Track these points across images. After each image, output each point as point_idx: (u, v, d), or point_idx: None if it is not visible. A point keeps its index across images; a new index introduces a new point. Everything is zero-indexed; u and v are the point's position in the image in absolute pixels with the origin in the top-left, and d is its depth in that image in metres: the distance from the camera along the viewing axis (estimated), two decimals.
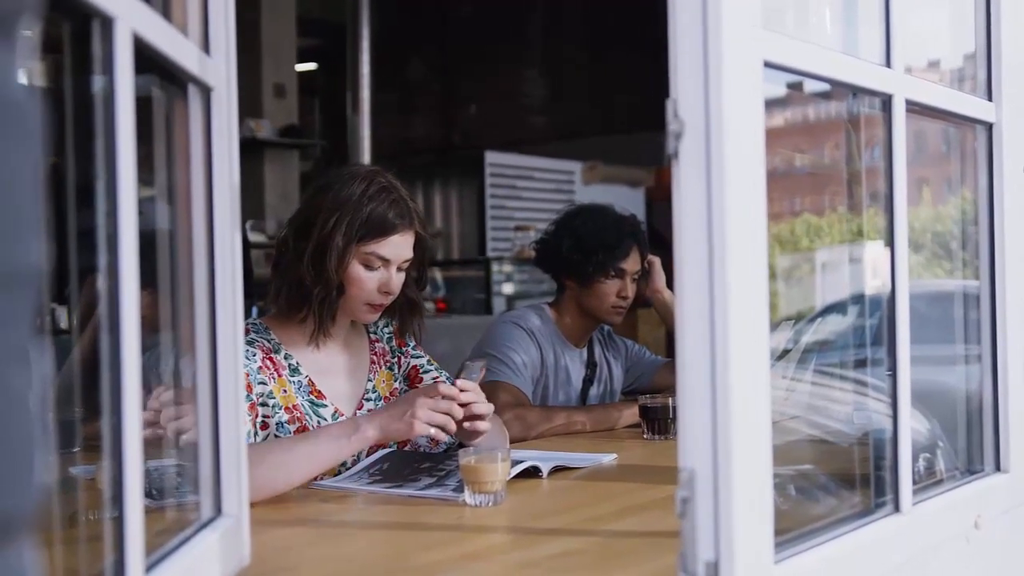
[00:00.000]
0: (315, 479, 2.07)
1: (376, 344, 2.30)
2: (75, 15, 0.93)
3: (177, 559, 1.13)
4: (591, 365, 3.03)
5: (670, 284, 3.01)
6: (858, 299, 1.92)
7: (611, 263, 2.86)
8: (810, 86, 1.48)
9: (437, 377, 2.33)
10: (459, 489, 1.83)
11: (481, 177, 7.99)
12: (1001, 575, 1.75)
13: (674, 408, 2.57)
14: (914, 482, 1.47)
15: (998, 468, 1.73)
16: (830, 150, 1.92)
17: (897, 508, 1.43)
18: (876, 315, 1.67)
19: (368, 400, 2.23)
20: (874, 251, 1.72)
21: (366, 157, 7.09)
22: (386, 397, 2.27)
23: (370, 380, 2.26)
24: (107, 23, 0.95)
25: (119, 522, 0.95)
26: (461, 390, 1.99)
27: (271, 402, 2.06)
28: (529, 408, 2.74)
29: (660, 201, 7.96)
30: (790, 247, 1.64)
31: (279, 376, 2.10)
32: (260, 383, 2.05)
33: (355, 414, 2.18)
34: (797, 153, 1.75)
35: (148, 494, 1.10)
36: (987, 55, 1.74)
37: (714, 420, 1.09)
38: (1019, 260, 1.75)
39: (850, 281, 2.09)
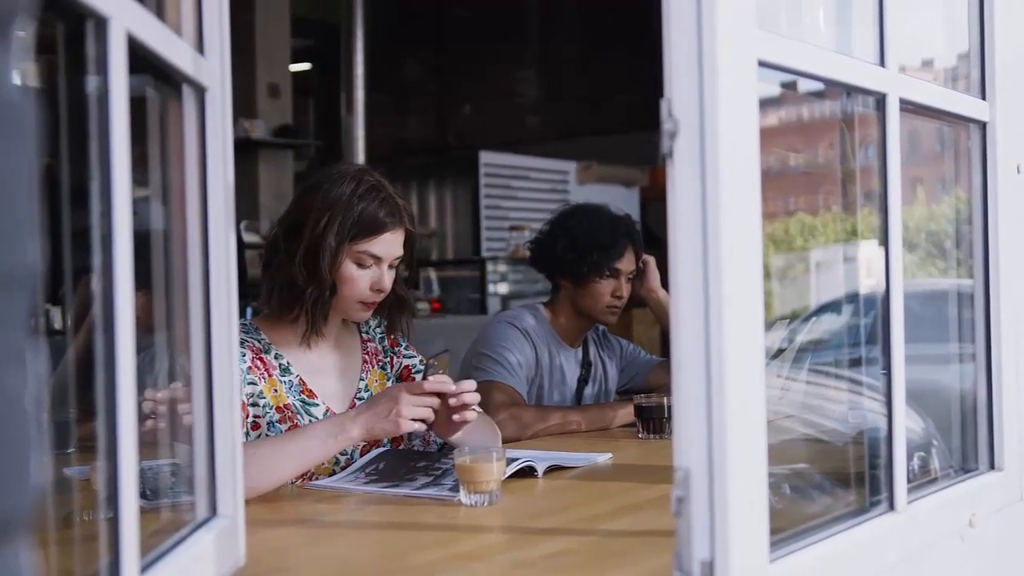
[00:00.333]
0: (310, 479, 2.07)
1: (368, 344, 2.31)
2: (69, 15, 0.93)
3: (172, 559, 1.13)
4: (586, 365, 3.03)
5: (665, 284, 3.01)
6: (852, 298, 1.92)
7: (606, 263, 2.86)
8: (804, 85, 1.48)
9: None
10: (455, 488, 1.83)
11: (476, 177, 7.99)
12: (995, 573, 1.75)
13: (669, 407, 2.57)
14: (908, 481, 1.47)
15: (992, 467, 1.73)
16: (824, 149, 1.92)
17: (892, 507, 1.44)
18: (870, 314, 1.67)
19: (361, 399, 2.23)
20: (868, 250, 1.72)
21: (360, 157, 7.08)
22: None
23: (362, 379, 2.26)
24: (101, 23, 0.95)
25: (114, 523, 0.95)
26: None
27: (261, 402, 2.07)
28: (524, 408, 2.74)
29: (654, 201, 7.97)
30: (784, 246, 1.65)
31: (269, 376, 2.11)
32: (250, 383, 2.06)
33: (347, 413, 2.18)
34: (791, 152, 1.76)
35: (142, 494, 1.10)
36: (980, 54, 1.74)
37: (709, 419, 1.10)
38: (1013, 259, 1.75)
39: (844, 280, 2.09)
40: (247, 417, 2.03)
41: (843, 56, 1.45)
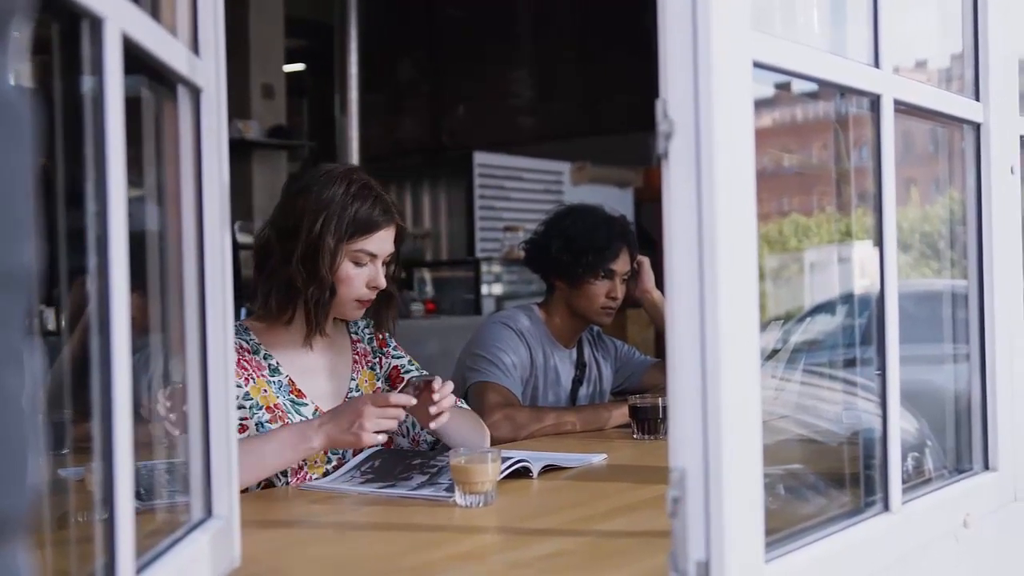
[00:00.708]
0: (305, 479, 2.07)
1: (357, 344, 2.33)
2: (64, 15, 0.93)
3: (167, 561, 1.13)
4: (580, 365, 3.03)
5: (659, 284, 3.01)
6: (846, 299, 1.93)
7: (601, 264, 2.86)
8: (797, 86, 1.48)
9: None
10: (452, 488, 1.83)
11: (470, 178, 7.98)
12: (990, 574, 1.75)
13: (664, 408, 2.57)
14: (903, 481, 1.48)
15: (986, 467, 1.73)
16: (818, 150, 1.93)
17: (887, 507, 1.44)
18: (864, 315, 1.68)
19: (351, 398, 2.24)
20: (862, 251, 1.72)
21: (355, 158, 7.08)
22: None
23: (353, 379, 2.28)
24: (96, 24, 0.95)
25: (110, 524, 0.95)
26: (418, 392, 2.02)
27: (247, 404, 2.07)
28: (519, 408, 2.74)
29: (648, 202, 7.98)
30: (778, 247, 1.65)
31: (258, 377, 2.12)
32: (235, 385, 2.06)
33: None
34: (785, 153, 1.76)
35: (136, 495, 1.10)
36: (974, 55, 1.75)
37: (705, 420, 1.10)
38: (1007, 260, 1.76)
39: (838, 281, 2.09)
40: None
41: (838, 57, 1.45)
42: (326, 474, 2.09)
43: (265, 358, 2.16)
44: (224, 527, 1.31)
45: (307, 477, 2.08)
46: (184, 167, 1.28)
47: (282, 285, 2.12)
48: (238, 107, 7.05)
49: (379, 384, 2.33)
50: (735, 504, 1.10)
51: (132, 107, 1.03)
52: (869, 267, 1.56)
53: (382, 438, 1.93)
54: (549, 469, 2.11)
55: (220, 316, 1.31)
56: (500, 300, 7.25)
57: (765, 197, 1.19)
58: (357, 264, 2.15)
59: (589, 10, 8.99)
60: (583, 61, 9.28)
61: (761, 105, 1.21)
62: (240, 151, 6.96)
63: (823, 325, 2.16)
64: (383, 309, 2.28)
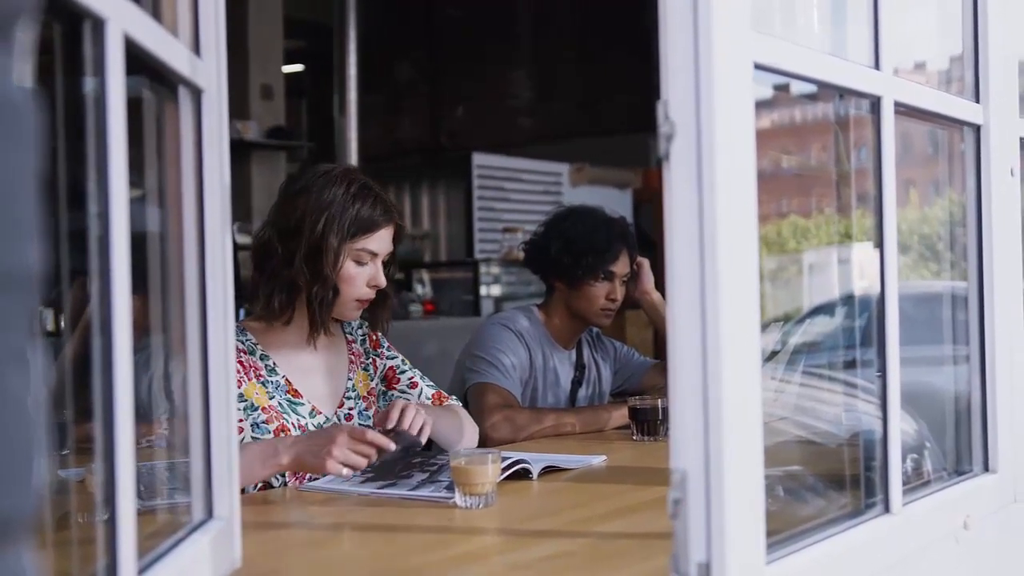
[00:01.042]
0: (305, 479, 2.07)
1: (352, 344, 2.35)
2: (66, 16, 0.93)
3: (169, 562, 1.12)
4: (580, 367, 3.03)
5: (659, 286, 3.01)
6: (845, 300, 1.93)
7: (600, 266, 2.86)
8: (796, 87, 1.49)
9: (413, 377, 2.39)
10: (451, 486, 1.83)
11: (468, 179, 7.97)
12: (990, 575, 1.75)
13: (663, 409, 2.57)
14: (902, 483, 1.48)
15: (986, 469, 1.74)
16: (816, 152, 1.93)
17: (887, 509, 1.44)
18: (864, 316, 1.68)
19: (349, 398, 2.28)
20: (861, 253, 1.72)
21: (353, 159, 7.07)
22: (364, 396, 2.31)
23: (350, 379, 2.31)
24: (98, 24, 0.95)
25: (112, 525, 0.95)
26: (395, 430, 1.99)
27: (242, 405, 2.08)
28: (518, 410, 2.74)
29: (647, 203, 7.97)
30: (777, 249, 1.65)
31: (253, 378, 2.12)
32: None
33: (335, 412, 2.24)
34: (784, 155, 1.76)
35: (137, 495, 1.10)
36: (974, 57, 1.75)
37: (706, 421, 1.10)
38: (1007, 261, 1.76)
39: (837, 283, 2.09)
40: None
41: (838, 59, 1.45)
42: (326, 474, 2.09)
43: (262, 358, 2.17)
44: (225, 528, 1.31)
45: (307, 477, 2.09)
46: (185, 168, 1.28)
47: (285, 285, 2.14)
48: (237, 108, 7.04)
49: (374, 384, 2.34)
50: (736, 506, 1.10)
51: (133, 108, 1.03)
52: (868, 269, 1.56)
53: (347, 472, 1.87)
54: (549, 471, 2.11)
55: (221, 317, 1.31)
56: (499, 301, 7.24)
57: (764, 199, 1.19)
58: (359, 263, 2.17)
59: (588, 11, 8.99)
60: (582, 62, 9.28)
61: (760, 106, 1.21)
62: (239, 152, 6.96)
63: (822, 327, 2.16)
64: (378, 308, 2.29)
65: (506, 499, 1.86)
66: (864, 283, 1.73)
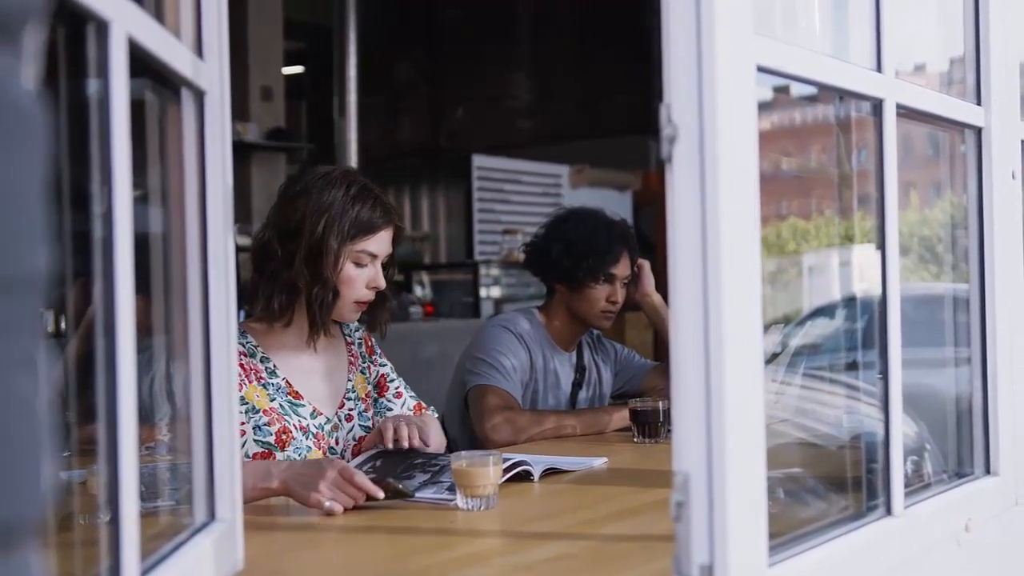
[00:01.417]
0: None
1: (351, 346, 2.36)
2: (70, 18, 0.93)
3: (171, 564, 1.12)
4: (580, 369, 3.03)
5: (659, 287, 3.01)
6: (845, 303, 1.93)
7: (601, 268, 2.86)
8: (796, 89, 1.49)
9: (399, 387, 2.40)
10: (454, 487, 1.82)
11: (468, 180, 7.97)
12: None
13: (664, 411, 2.57)
14: (903, 485, 1.48)
15: (988, 471, 1.74)
16: (816, 153, 1.93)
17: (889, 511, 1.44)
18: (864, 318, 1.68)
19: (349, 399, 2.28)
20: (861, 254, 1.72)
21: (353, 160, 7.06)
22: (363, 398, 2.32)
23: (350, 380, 2.31)
24: (102, 27, 0.95)
25: (115, 527, 0.95)
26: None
27: (243, 407, 2.07)
28: (519, 412, 2.74)
29: (647, 205, 7.97)
30: (776, 251, 1.65)
31: (253, 380, 2.12)
32: None
33: (336, 413, 2.24)
34: (783, 156, 1.76)
35: (139, 496, 1.10)
36: (976, 59, 1.75)
37: (708, 424, 1.10)
38: (1008, 263, 1.76)
39: (837, 285, 2.09)
40: None
41: (840, 62, 1.45)
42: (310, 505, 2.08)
43: (262, 360, 2.17)
44: (227, 530, 1.31)
45: None
46: (188, 170, 1.28)
47: (284, 287, 2.14)
48: (237, 109, 6.98)
49: (369, 388, 2.36)
50: (739, 508, 1.10)
51: (135, 110, 1.03)
52: (868, 271, 1.56)
53: (336, 507, 1.79)
54: (550, 472, 2.11)
55: (223, 319, 1.31)
56: (499, 303, 7.24)
57: (763, 200, 1.19)
58: (358, 265, 2.16)
59: (588, 12, 8.99)
60: (582, 63, 9.29)
61: (759, 108, 1.21)
62: (239, 153, 6.93)
63: (822, 329, 2.17)
64: (377, 310, 2.29)
65: (507, 501, 1.86)
66: (864, 285, 1.73)
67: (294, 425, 2.14)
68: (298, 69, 9.37)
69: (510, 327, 2.89)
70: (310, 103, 9.17)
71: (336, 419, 2.23)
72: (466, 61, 9.71)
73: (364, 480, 1.81)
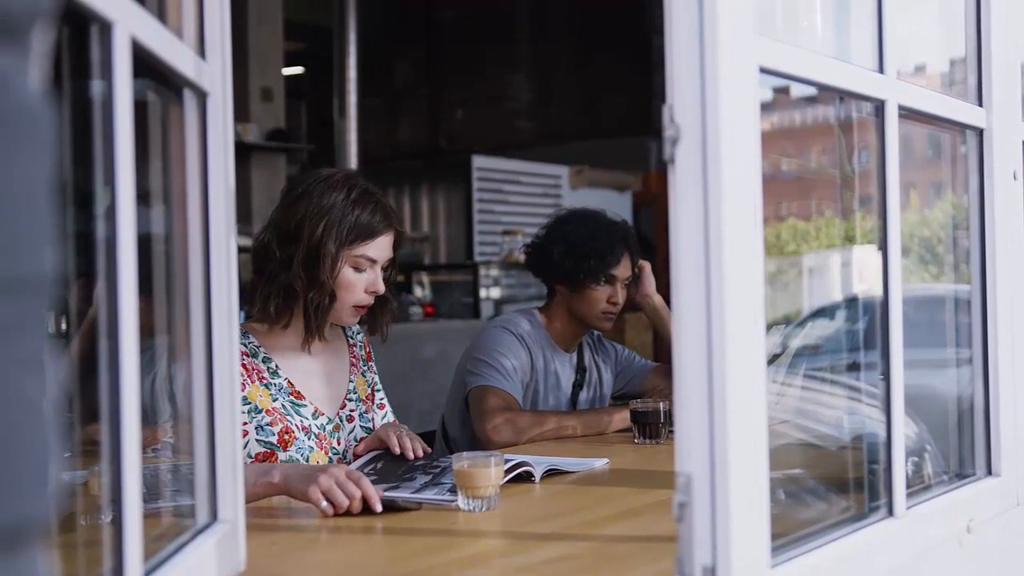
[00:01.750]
0: None
1: (353, 348, 2.36)
2: (73, 19, 0.93)
3: (174, 565, 1.12)
4: (581, 370, 3.03)
5: (659, 288, 3.01)
6: (846, 303, 1.93)
7: (602, 270, 2.86)
8: (796, 90, 1.49)
9: (383, 399, 2.41)
10: (455, 488, 1.82)
11: (468, 181, 7.97)
12: None
13: (665, 412, 2.57)
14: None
15: (989, 472, 1.74)
16: (816, 154, 1.93)
17: (891, 512, 1.44)
18: (864, 319, 1.68)
19: (350, 400, 2.28)
20: (861, 255, 1.73)
21: (353, 161, 7.07)
22: (364, 399, 2.32)
23: (351, 381, 2.31)
24: (105, 27, 0.95)
25: (118, 527, 0.95)
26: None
27: (246, 407, 2.08)
28: (519, 413, 2.74)
29: (647, 205, 7.97)
30: (775, 251, 1.65)
31: (255, 380, 2.12)
32: None
33: (337, 413, 2.24)
34: (783, 157, 1.76)
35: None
36: (977, 61, 1.75)
37: (711, 426, 1.10)
38: (1010, 264, 1.76)
39: (837, 285, 2.09)
40: None
41: (843, 63, 1.45)
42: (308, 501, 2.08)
43: (264, 361, 2.17)
44: (229, 531, 1.31)
45: None
46: (190, 170, 1.28)
47: (282, 289, 2.13)
48: (237, 110, 6.97)
49: (369, 391, 2.36)
50: (741, 509, 1.10)
51: (137, 111, 1.03)
52: (868, 271, 1.56)
53: (325, 505, 1.76)
54: (551, 473, 2.11)
55: (226, 319, 1.31)
56: (498, 304, 7.24)
57: (764, 201, 1.20)
58: (357, 270, 2.16)
59: (587, 13, 9.00)
60: (581, 64, 9.29)
61: (760, 109, 1.21)
62: (238, 154, 6.89)
63: (823, 330, 2.17)
64: (379, 314, 2.29)
65: (509, 502, 1.86)
66: (864, 286, 1.73)
67: (296, 425, 2.14)
68: (298, 70, 9.38)
69: (511, 328, 2.89)
70: (310, 104, 9.17)
71: (337, 419, 2.23)
72: (466, 62, 9.72)
73: (367, 484, 1.79)
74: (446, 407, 3.00)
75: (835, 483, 1.63)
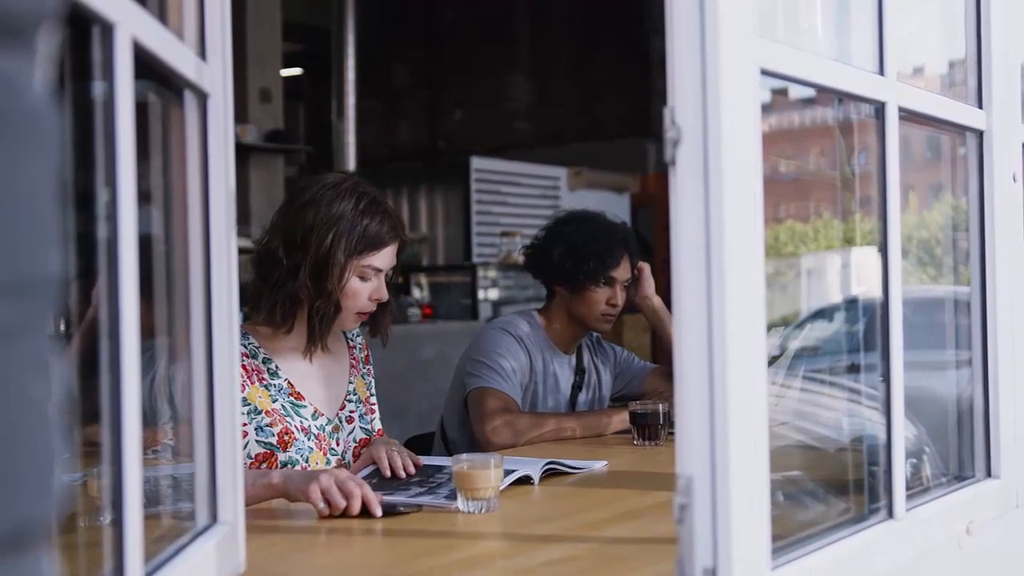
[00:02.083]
0: None
1: (353, 350, 2.36)
2: (75, 20, 0.93)
3: (174, 566, 1.12)
4: (580, 371, 3.03)
5: (658, 290, 3.01)
6: (845, 305, 1.93)
7: (602, 272, 2.86)
8: (794, 92, 1.49)
9: (374, 405, 2.38)
10: (451, 497, 1.82)
11: (466, 182, 7.97)
12: None
13: (664, 414, 2.57)
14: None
15: (989, 474, 1.74)
16: (815, 156, 1.93)
17: (891, 514, 1.44)
18: (864, 321, 1.68)
19: (350, 401, 2.28)
20: (860, 257, 1.73)
21: (351, 162, 7.07)
22: (363, 401, 2.33)
23: (351, 383, 2.31)
24: (107, 29, 0.95)
25: (118, 529, 0.95)
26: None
27: (246, 408, 2.07)
28: (519, 414, 2.73)
29: (645, 207, 7.98)
30: (773, 253, 1.65)
31: (255, 381, 2.12)
32: None
33: (337, 414, 2.24)
34: (782, 159, 1.76)
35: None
36: (977, 63, 1.75)
37: (712, 428, 1.10)
38: (1009, 266, 1.76)
39: (836, 287, 2.09)
40: None
41: (843, 65, 1.45)
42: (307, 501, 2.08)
43: (264, 362, 2.17)
44: (229, 533, 1.31)
45: None
46: (190, 172, 1.28)
47: (288, 298, 2.12)
48: (236, 111, 6.97)
49: (368, 393, 2.36)
50: (742, 511, 1.10)
51: (138, 112, 1.03)
52: (866, 273, 1.56)
53: (324, 507, 1.77)
54: (551, 474, 2.11)
55: (226, 322, 1.31)
56: (497, 305, 7.24)
57: (764, 203, 1.20)
58: (363, 279, 2.16)
59: (586, 14, 9.00)
60: (580, 65, 9.29)
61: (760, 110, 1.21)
62: (237, 155, 6.89)
63: (822, 331, 2.17)
64: (380, 317, 2.29)
65: (508, 504, 1.86)
66: (864, 287, 1.73)
67: (296, 426, 2.14)
68: (296, 71, 9.38)
69: (510, 329, 2.89)
70: (308, 105, 9.18)
71: (337, 420, 2.23)
72: (465, 63, 9.72)
73: (368, 494, 1.79)
74: (445, 409, 3.00)
75: (835, 485, 1.63)
